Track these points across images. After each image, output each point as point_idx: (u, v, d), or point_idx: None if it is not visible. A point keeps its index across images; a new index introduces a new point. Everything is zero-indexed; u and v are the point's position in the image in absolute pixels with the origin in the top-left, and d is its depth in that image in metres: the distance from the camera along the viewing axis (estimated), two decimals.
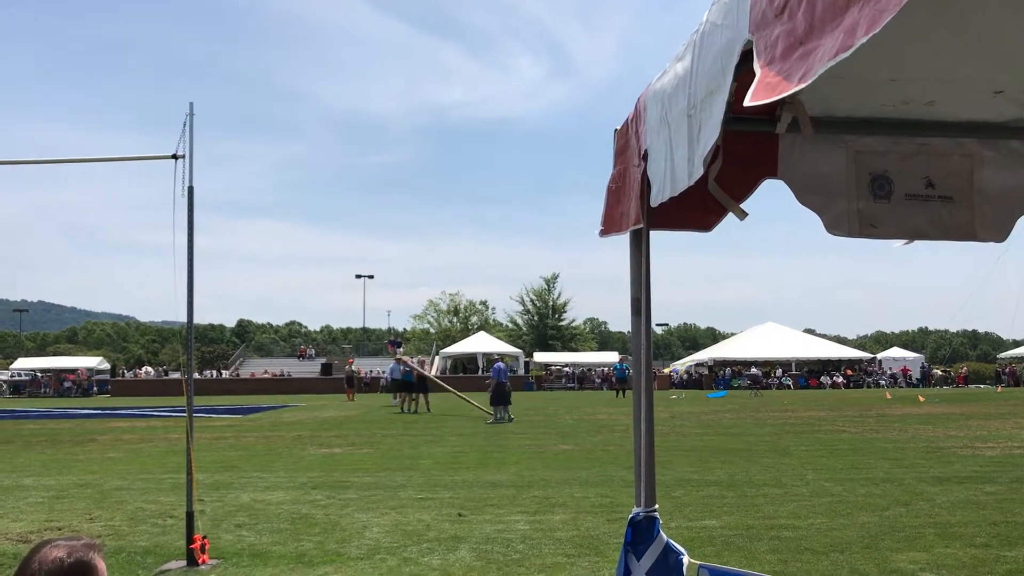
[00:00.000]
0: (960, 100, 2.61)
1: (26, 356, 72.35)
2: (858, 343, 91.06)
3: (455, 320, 74.71)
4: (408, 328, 76.22)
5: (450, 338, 65.82)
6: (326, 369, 53.26)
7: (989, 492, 8.64)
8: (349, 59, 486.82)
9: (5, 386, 50.73)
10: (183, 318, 6.28)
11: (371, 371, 49.41)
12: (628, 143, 2.70)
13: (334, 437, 16.24)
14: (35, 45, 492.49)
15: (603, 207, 2.98)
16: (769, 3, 1.56)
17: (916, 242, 2.93)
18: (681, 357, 73.04)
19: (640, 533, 2.67)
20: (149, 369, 60.98)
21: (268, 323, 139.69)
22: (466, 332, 66.73)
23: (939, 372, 56.54)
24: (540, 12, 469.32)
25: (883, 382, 49.90)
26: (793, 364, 52.54)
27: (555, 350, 65.65)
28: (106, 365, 62.99)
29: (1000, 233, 2.88)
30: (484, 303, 77.44)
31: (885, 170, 2.83)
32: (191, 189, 6.18)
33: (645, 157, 2.47)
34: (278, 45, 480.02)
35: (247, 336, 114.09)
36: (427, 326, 74.51)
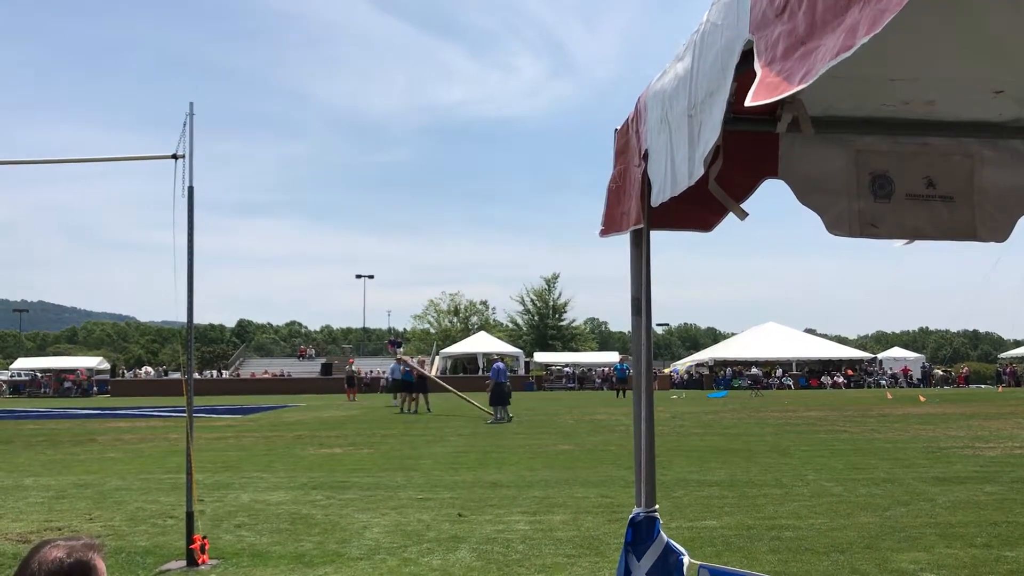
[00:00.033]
0: (961, 100, 2.61)
1: (26, 356, 72.41)
2: (859, 343, 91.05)
3: (455, 320, 74.70)
4: (408, 328, 76.28)
5: (450, 338, 65.82)
6: (326, 369, 53.27)
7: (990, 492, 8.64)
8: (350, 58, 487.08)
9: (5, 386, 50.73)
10: (183, 318, 6.28)
11: (371, 371, 49.41)
12: (628, 143, 2.70)
13: (334, 437, 16.24)
14: (35, 45, 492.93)
15: (603, 207, 2.98)
16: (770, 3, 1.56)
17: (917, 242, 2.93)
18: (681, 357, 73.02)
19: (640, 533, 2.67)
20: (149, 369, 61.00)
21: (268, 323, 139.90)
22: (466, 332, 66.72)
23: (940, 372, 56.54)
24: (541, 12, 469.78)
25: (884, 382, 49.89)
26: (794, 364, 52.52)
27: (555, 350, 65.63)
28: (106, 365, 63.00)
29: (1001, 233, 2.88)
30: (484, 303, 77.51)
31: (886, 170, 2.83)
32: (191, 189, 6.18)
33: (646, 157, 2.46)
34: (279, 44, 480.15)
35: (247, 336, 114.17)
36: (427, 326, 74.54)
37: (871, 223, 2.81)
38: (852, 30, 1.25)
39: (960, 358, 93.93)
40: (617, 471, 10.54)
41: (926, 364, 57.84)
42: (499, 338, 60.99)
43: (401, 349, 29.57)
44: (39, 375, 55.02)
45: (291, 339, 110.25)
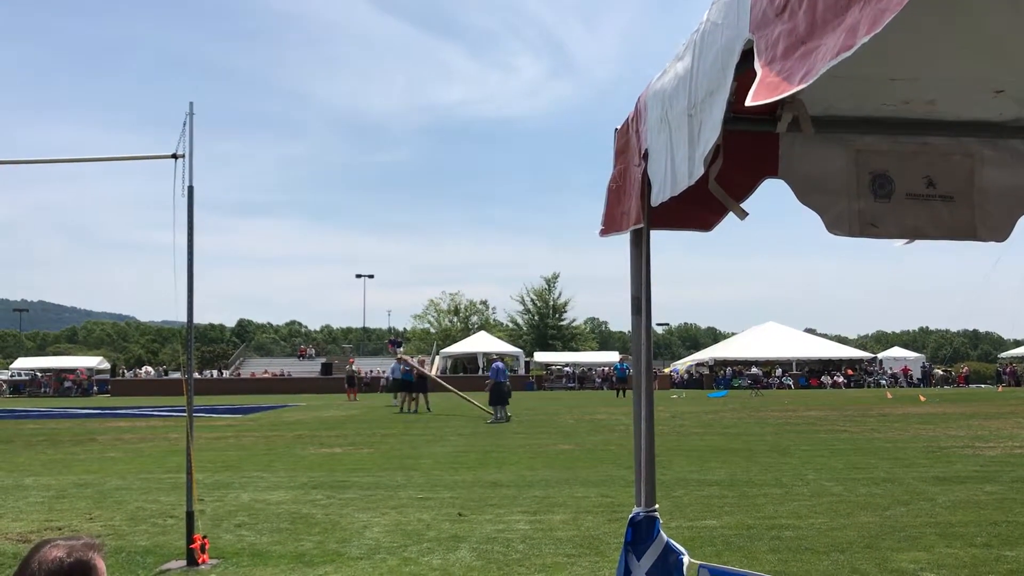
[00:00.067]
0: (961, 99, 2.61)
1: (26, 356, 72.45)
2: (859, 343, 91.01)
3: (455, 320, 74.69)
4: (408, 328, 76.25)
5: (450, 338, 65.81)
6: (326, 369, 53.25)
7: (990, 492, 8.64)
8: (350, 58, 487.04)
9: (5, 386, 50.74)
10: (183, 318, 6.28)
11: (371, 371, 49.41)
12: (628, 142, 2.70)
13: (334, 437, 16.24)
14: (35, 45, 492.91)
15: (603, 207, 2.98)
16: (770, 2, 1.55)
17: (917, 242, 2.93)
18: (682, 357, 73.02)
19: (640, 533, 2.67)
20: (149, 369, 60.99)
21: (268, 323, 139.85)
22: (466, 332, 66.71)
23: (940, 372, 56.51)
24: (541, 12, 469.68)
25: (884, 382, 49.89)
26: (794, 364, 52.52)
27: (555, 350, 65.63)
28: (106, 365, 63.00)
29: (1001, 233, 2.88)
30: (484, 303, 77.48)
31: (886, 169, 2.83)
32: (191, 189, 6.18)
33: (646, 156, 2.46)
34: (279, 44, 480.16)
35: (247, 336, 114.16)
36: (427, 326, 74.52)
37: (871, 223, 2.81)
38: (852, 30, 1.25)
39: (960, 358, 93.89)
40: (617, 471, 10.54)
41: (926, 364, 57.81)
42: (499, 338, 60.98)
43: (401, 349, 29.55)
44: (39, 375, 55.03)
45: (291, 339, 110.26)
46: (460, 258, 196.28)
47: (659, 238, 2.96)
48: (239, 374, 55.35)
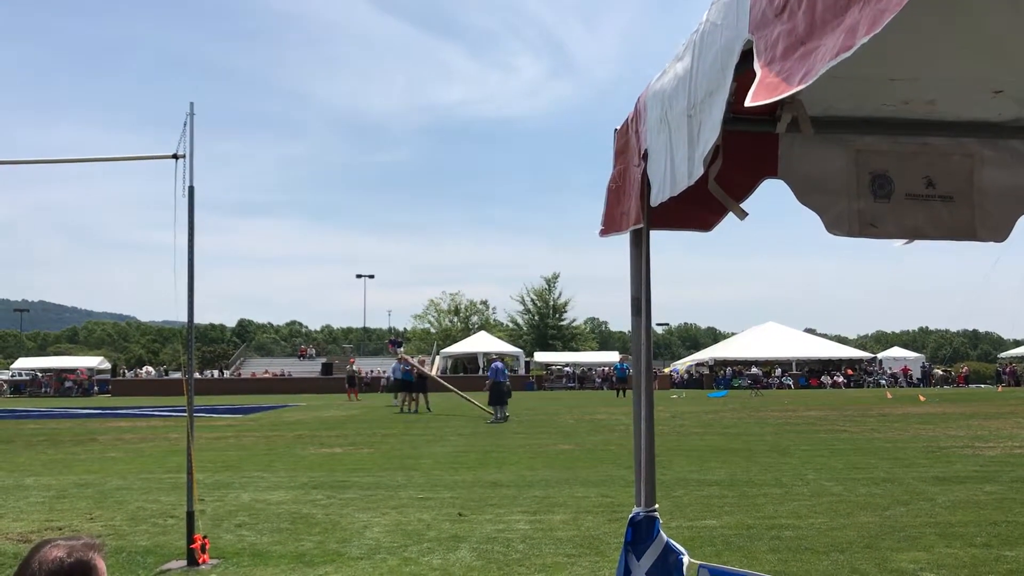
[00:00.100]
0: (960, 100, 2.61)
1: (27, 356, 72.51)
2: (859, 343, 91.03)
3: (456, 320, 74.69)
4: (409, 328, 76.27)
5: (451, 338, 65.82)
6: (327, 369, 53.26)
7: (990, 492, 8.64)
8: (350, 58, 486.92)
9: (6, 386, 50.75)
10: (184, 318, 6.29)
11: (371, 371, 49.42)
12: (628, 143, 2.70)
13: (334, 437, 16.24)
14: (35, 45, 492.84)
15: (603, 207, 2.98)
16: (769, 3, 1.56)
17: (916, 242, 2.93)
18: (682, 357, 73.02)
19: (640, 533, 2.67)
20: (150, 369, 61.01)
21: (269, 323, 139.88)
22: (467, 332, 66.72)
23: (940, 372, 56.52)
24: (541, 12, 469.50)
25: (883, 382, 49.88)
26: (794, 364, 52.52)
27: (556, 350, 65.64)
28: (107, 365, 63.02)
29: (1000, 233, 2.88)
30: (484, 303, 77.50)
31: (885, 170, 2.83)
32: (191, 189, 6.19)
33: (645, 157, 2.46)
34: (279, 44, 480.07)
35: (248, 336, 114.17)
36: (428, 326, 74.53)
37: (871, 223, 2.82)
38: (852, 30, 1.25)
39: (960, 358, 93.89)
40: (617, 470, 10.54)
41: (926, 364, 57.83)
42: (499, 338, 60.99)
43: (401, 349, 29.53)
44: (40, 375, 55.06)
45: (291, 339, 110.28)
46: (460, 258, 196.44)
47: (659, 238, 2.97)
48: (239, 374, 55.35)
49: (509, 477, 10.14)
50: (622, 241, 2.88)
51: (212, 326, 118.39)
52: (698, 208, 2.85)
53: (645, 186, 2.48)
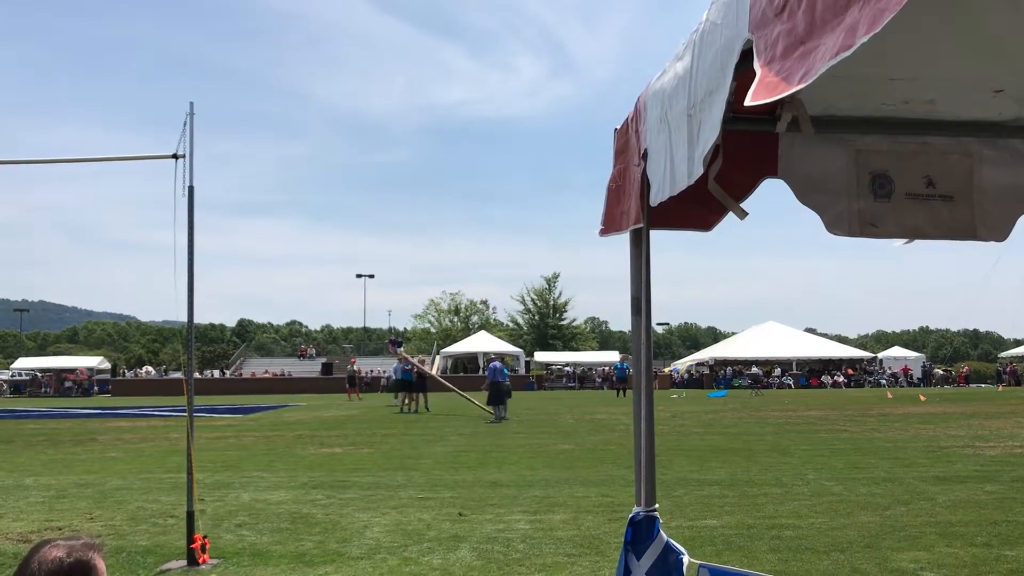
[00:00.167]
0: (960, 99, 2.61)
1: (27, 356, 72.53)
2: (859, 342, 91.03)
3: (456, 320, 74.70)
4: (409, 327, 76.27)
5: (451, 338, 65.82)
6: (327, 369, 53.26)
7: (990, 491, 8.64)
8: (350, 58, 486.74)
9: (6, 386, 50.75)
10: (184, 318, 6.28)
11: (371, 371, 49.42)
12: (628, 142, 2.70)
13: (334, 437, 16.25)
14: (35, 45, 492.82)
15: (603, 206, 2.98)
16: (769, 2, 1.55)
17: (916, 241, 2.93)
18: (682, 356, 73.03)
19: (640, 532, 2.67)
20: (150, 369, 61.02)
21: (269, 323, 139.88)
22: (467, 332, 66.73)
23: (940, 371, 56.51)
24: (541, 12, 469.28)
25: (884, 381, 49.89)
26: (794, 363, 52.52)
27: (556, 349, 65.66)
28: (107, 365, 63.04)
29: (1001, 232, 2.88)
30: (485, 302, 77.52)
31: (885, 169, 2.82)
32: (191, 189, 6.19)
33: (645, 156, 2.46)
34: (279, 44, 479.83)
35: (248, 336, 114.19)
36: (428, 325, 74.52)
37: (871, 222, 2.81)
38: (852, 29, 1.25)
39: (960, 357, 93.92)
40: (617, 470, 10.54)
41: (926, 363, 57.83)
42: (500, 337, 61.00)
43: (401, 348, 29.54)
44: (40, 375, 55.07)
45: (291, 339, 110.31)
46: (460, 258, 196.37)
47: (659, 238, 2.97)
48: (240, 374, 55.36)
49: (509, 477, 10.14)
50: (622, 241, 2.88)
51: (212, 326, 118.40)
52: (698, 208, 2.85)
53: (645, 186, 2.48)
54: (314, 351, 70.13)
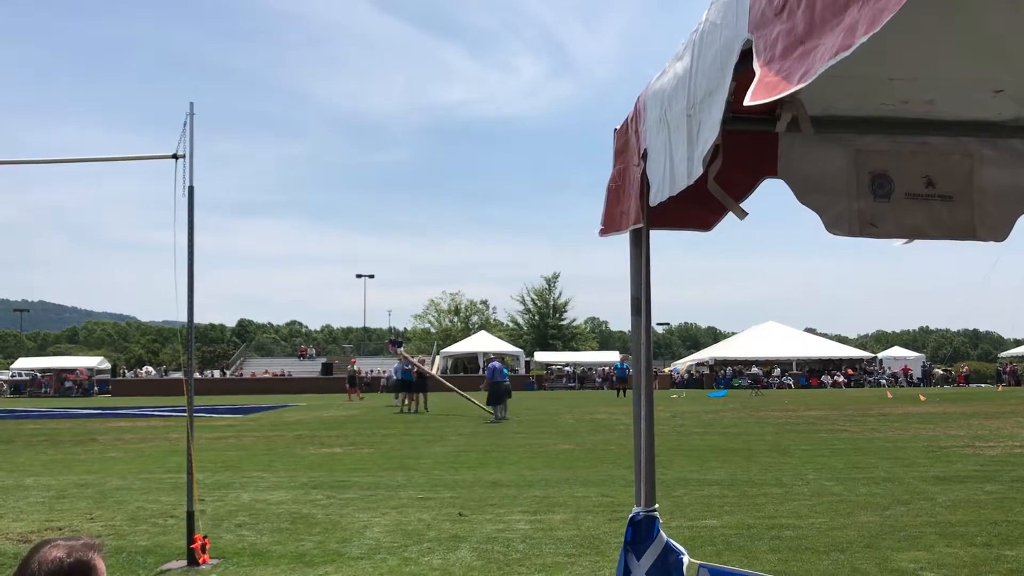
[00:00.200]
0: (960, 99, 2.61)
1: (27, 356, 72.51)
2: (859, 342, 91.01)
3: (456, 320, 74.70)
4: (409, 327, 76.27)
5: (451, 338, 65.82)
6: (327, 369, 53.27)
7: (990, 491, 8.64)
8: (350, 58, 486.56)
9: (6, 386, 50.74)
10: (184, 318, 6.29)
11: (371, 371, 49.43)
12: (628, 142, 2.70)
13: (334, 437, 16.25)
14: (35, 45, 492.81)
15: (603, 206, 2.98)
16: (769, 2, 1.56)
17: (916, 241, 2.93)
18: (682, 356, 73.03)
19: (640, 532, 2.67)
20: (150, 369, 61.04)
21: (269, 323, 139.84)
22: (467, 332, 66.73)
23: (940, 371, 56.50)
24: (541, 12, 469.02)
25: (884, 381, 49.89)
26: (794, 363, 52.52)
27: (556, 349, 65.66)
28: (107, 365, 63.04)
29: (1000, 232, 2.88)
30: (485, 302, 77.52)
31: (885, 169, 2.82)
32: (191, 189, 6.19)
33: (645, 156, 2.46)
34: (279, 44, 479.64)
35: (248, 336, 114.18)
36: (428, 326, 74.51)
37: (870, 222, 2.81)
38: (851, 29, 1.25)
39: (960, 357, 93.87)
40: (617, 470, 10.54)
41: (926, 363, 57.81)
42: (500, 337, 61.00)
43: (401, 348, 29.54)
44: (40, 375, 55.06)
45: (291, 339, 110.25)
46: (460, 258, 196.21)
47: (659, 238, 2.97)
48: (240, 374, 55.37)
49: (509, 477, 10.14)
50: (622, 241, 2.88)
51: (212, 326, 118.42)
52: (698, 208, 2.85)
53: (645, 186, 2.48)
54: (314, 351, 70.13)
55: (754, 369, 50.44)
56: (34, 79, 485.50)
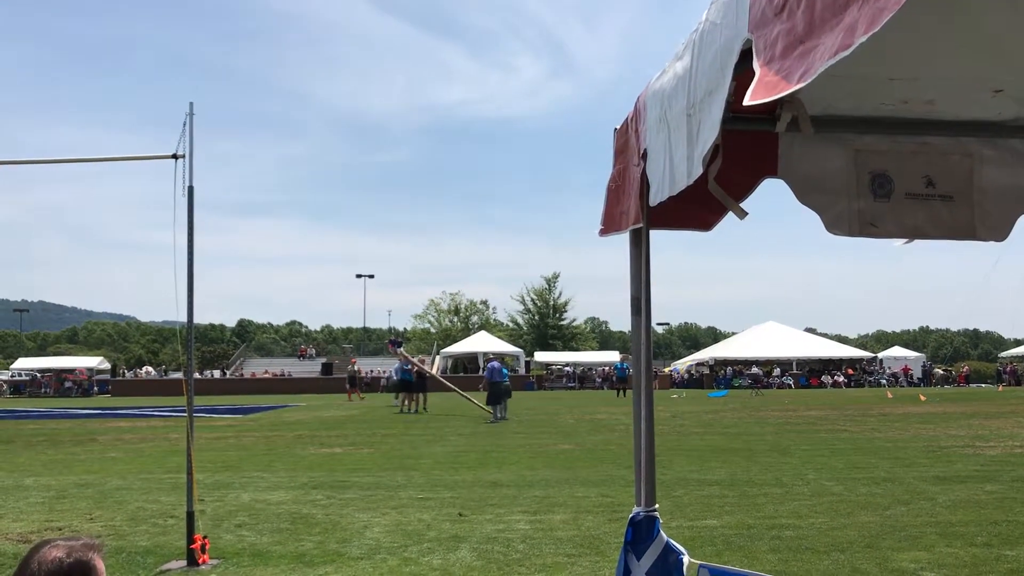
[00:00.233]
0: (960, 99, 2.60)
1: (26, 356, 72.51)
2: (859, 342, 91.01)
3: (456, 320, 74.71)
4: (409, 328, 76.28)
5: (451, 338, 65.83)
6: (326, 369, 53.28)
7: (990, 491, 8.64)
8: (350, 58, 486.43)
9: (6, 386, 50.74)
10: (183, 318, 6.29)
11: (371, 371, 49.43)
12: (628, 142, 2.70)
13: (334, 437, 16.25)
14: (35, 45, 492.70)
15: (603, 206, 2.98)
16: (768, 2, 1.56)
17: (916, 241, 2.92)
18: (682, 356, 73.03)
19: (640, 532, 2.67)
20: (150, 369, 61.07)
21: (268, 323, 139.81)
22: (467, 332, 66.74)
23: (940, 371, 56.51)
24: (541, 12, 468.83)
25: (884, 381, 49.88)
26: (794, 363, 52.52)
27: (556, 349, 65.66)
28: (107, 365, 63.04)
29: (1000, 232, 2.88)
30: (485, 303, 77.54)
31: (885, 169, 2.82)
32: (191, 189, 6.19)
33: (644, 156, 2.46)
34: (279, 44, 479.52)
35: (247, 336, 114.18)
36: (428, 326, 74.53)
37: (870, 222, 2.81)
38: (851, 29, 1.25)
39: (960, 357, 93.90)
40: (617, 470, 10.54)
41: (926, 363, 57.82)
42: (500, 337, 61.01)
43: (401, 348, 29.55)
44: (39, 375, 55.06)
45: (291, 339, 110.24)
46: (460, 258, 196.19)
47: (659, 238, 2.97)
48: (240, 374, 55.37)
49: (509, 477, 10.14)
50: (622, 241, 2.88)
51: (212, 326, 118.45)
52: (698, 208, 2.85)
53: (644, 185, 2.48)
54: (314, 351, 70.14)
55: (754, 369, 50.44)
56: (34, 79, 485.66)
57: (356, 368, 38.03)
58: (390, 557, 6.08)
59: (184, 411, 6.99)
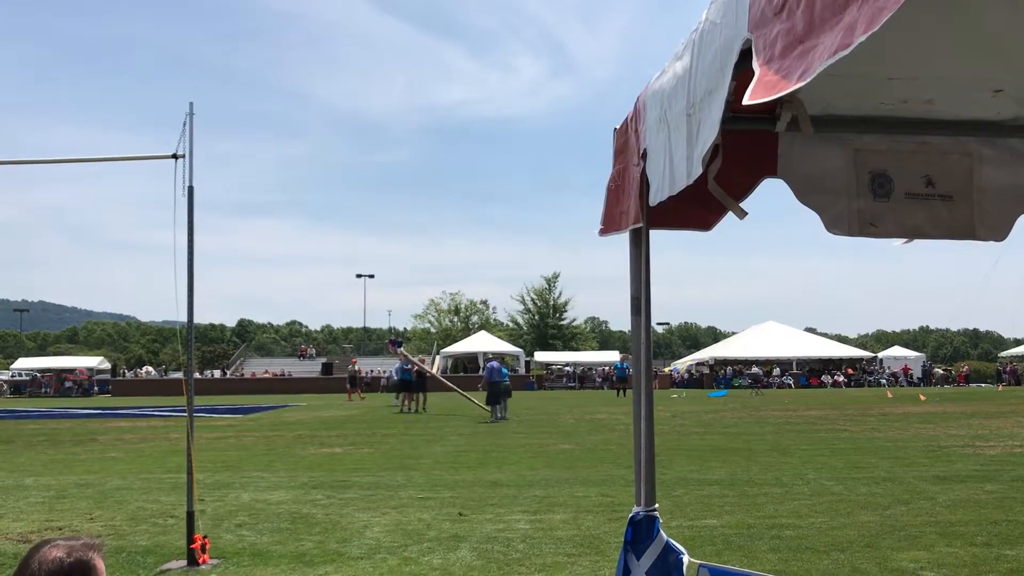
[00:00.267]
0: (959, 99, 2.60)
1: (27, 356, 72.50)
2: (859, 342, 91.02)
3: (456, 320, 74.72)
4: (409, 327, 76.29)
5: (451, 337, 65.83)
6: (327, 369, 53.29)
7: (990, 491, 8.64)
8: (350, 58, 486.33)
9: (6, 386, 50.75)
10: (184, 318, 6.29)
11: (372, 371, 49.43)
12: (628, 142, 2.70)
13: (334, 437, 16.25)
14: (35, 45, 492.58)
15: (603, 206, 2.98)
16: (768, 2, 1.56)
17: (916, 241, 2.92)
18: (682, 356, 73.01)
19: (640, 532, 2.67)
20: (150, 369, 61.06)
21: (269, 323, 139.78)
22: (467, 331, 66.75)
23: (940, 371, 56.51)
24: (541, 12, 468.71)
25: (884, 381, 49.88)
26: (794, 363, 52.52)
27: (556, 349, 65.67)
28: (107, 365, 63.04)
29: (1000, 232, 2.88)
30: (485, 302, 77.56)
31: (885, 169, 2.82)
32: (191, 189, 6.19)
33: (644, 156, 2.46)
34: (279, 44, 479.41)
35: (248, 336, 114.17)
36: (428, 325, 74.54)
37: (870, 222, 2.81)
38: (850, 28, 1.25)
39: (960, 357, 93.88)
40: (617, 470, 10.54)
41: (926, 363, 57.82)
42: (500, 337, 61.02)
43: (401, 348, 29.55)
44: (40, 375, 55.07)
45: (292, 339, 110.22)
46: (460, 258, 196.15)
47: (659, 238, 2.97)
48: (240, 374, 55.37)
49: (509, 477, 10.14)
50: (622, 241, 2.88)
51: (212, 326, 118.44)
52: (697, 207, 2.85)
53: (644, 185, 2.48)
54: (314, 351, 70.13)
55: (754, 369, 50.45)
56: (34, 79, 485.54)
57: (356, 368, 38.04)
58: (390, 557, 6.08)
59: (184, 411, 6.99)
